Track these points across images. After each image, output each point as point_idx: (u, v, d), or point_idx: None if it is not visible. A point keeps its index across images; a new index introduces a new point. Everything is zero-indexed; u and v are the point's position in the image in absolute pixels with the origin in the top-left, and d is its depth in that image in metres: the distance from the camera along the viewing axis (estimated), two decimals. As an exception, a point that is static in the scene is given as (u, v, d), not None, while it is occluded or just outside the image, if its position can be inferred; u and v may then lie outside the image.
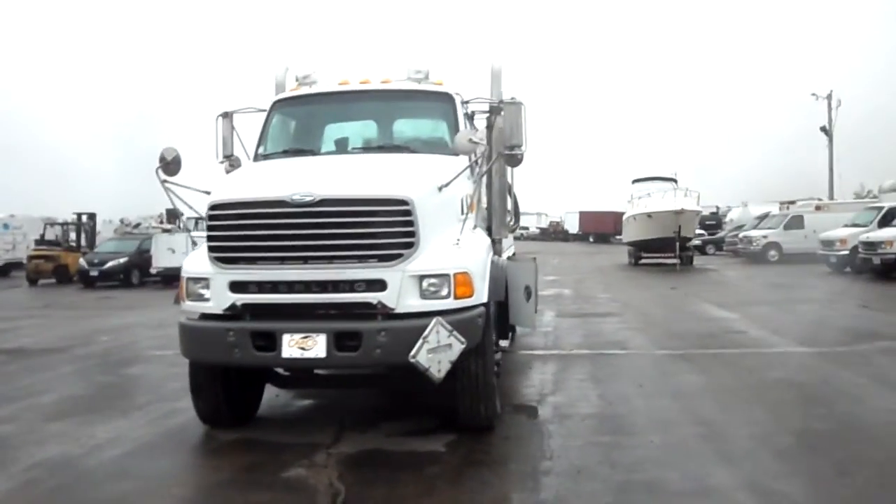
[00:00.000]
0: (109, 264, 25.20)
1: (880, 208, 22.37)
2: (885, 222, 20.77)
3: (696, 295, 17.10)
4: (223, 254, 5.39)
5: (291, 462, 5.29)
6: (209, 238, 5.45)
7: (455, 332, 5.15)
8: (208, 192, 5.80)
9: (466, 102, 6.89)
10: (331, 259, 5.22)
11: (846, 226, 22.67)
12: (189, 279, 5.55)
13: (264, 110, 7.29)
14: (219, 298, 5.39)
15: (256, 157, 6.79)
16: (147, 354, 10.05)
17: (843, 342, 9.73)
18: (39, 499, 4.84)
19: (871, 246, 19.50)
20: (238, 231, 5.38)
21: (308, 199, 5.14)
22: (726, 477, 4.80)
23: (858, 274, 20.01)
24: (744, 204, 43.97)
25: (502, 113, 6.61)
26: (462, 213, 5.78)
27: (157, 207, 30.61)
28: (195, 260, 5.67)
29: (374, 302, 5.23)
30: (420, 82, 6.87)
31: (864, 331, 10.74)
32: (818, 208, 29.58)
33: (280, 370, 6.06)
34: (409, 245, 5.22)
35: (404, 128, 6.98)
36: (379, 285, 5.23)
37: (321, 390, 7.16)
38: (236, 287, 5.35)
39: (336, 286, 5.27)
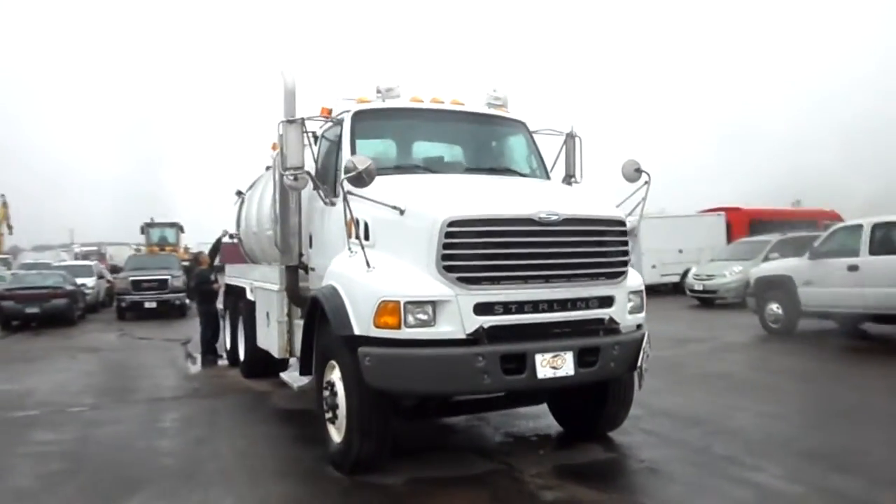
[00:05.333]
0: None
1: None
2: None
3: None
4: (466, 273, 5.03)
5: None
6: (447, 257, 5.01)
7: (649, 344, 5.75)
8: (399, 209, 5.29)
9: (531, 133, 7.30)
10: (569, 278, 5.32)
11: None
12: (408, 303, 4.98)
13: (331, 118, 6.65)
14: (460, 322, 5.00)
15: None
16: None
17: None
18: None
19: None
20: (481, 249, 5.09)
21: (554, 217, 5.19)
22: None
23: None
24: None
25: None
26: None
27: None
28: (403, 281, 5.09)
29: (605, 318, 5.50)
30: (498, 108, 7.09)
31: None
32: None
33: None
34: (626, 263, 5.64)
35: (505, 152, 7.04)
36: (608, 301, 5.51)
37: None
38: (481, 309, 5.04)
39: (574, 304, 5.37)
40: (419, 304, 4.99)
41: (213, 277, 12.39)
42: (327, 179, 6.59)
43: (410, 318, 4.98)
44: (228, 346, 11.50)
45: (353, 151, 6.32)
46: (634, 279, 5.79)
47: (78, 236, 54.60)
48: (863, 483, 5.11)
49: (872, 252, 11.29)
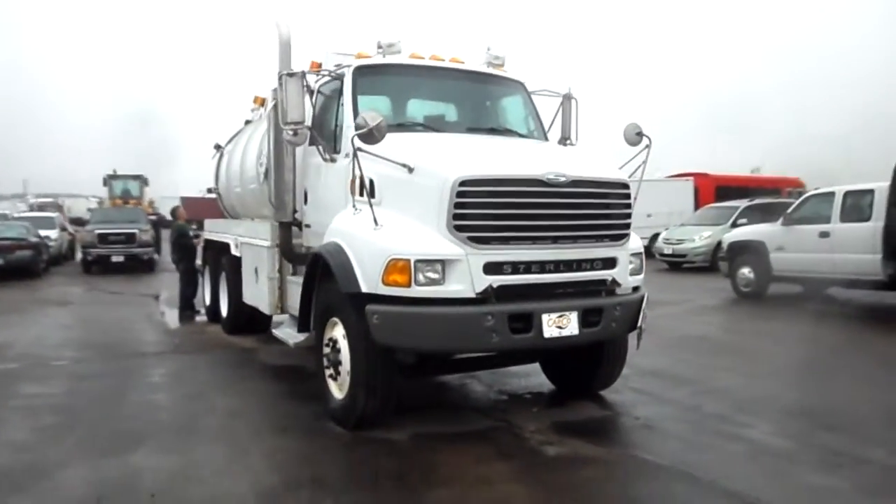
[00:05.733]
0: None
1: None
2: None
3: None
4: (477, 233, 5.04)
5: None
6: (458, 216, 5.01)
7: (647, 305, 5.88)
8: (408, 167, 5.26)
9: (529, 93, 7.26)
10: (575, 239, 5.38)
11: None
12: (419, 262, 4.98)
13: (331, 73, 6.52)
14: (470, 281, 5.03)
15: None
16: None
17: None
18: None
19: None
20: (492, 209, 5.10)
21: (562, 178, 5.22)
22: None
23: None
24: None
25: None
26: None
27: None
28: (412, 240, 5.08)
29: (608, 279, 5.58)
30: (497, 68, 7.04)
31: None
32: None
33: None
34: (629, 225, 5.71)
35: (505, 113, 6.98)
36: (611, 263, 5.59)
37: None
38: (490, 268, 5.07)
39: (579, 265, 5.43)
40: (430, 262, 4.99)
41: (191, 232, 12.17)
42: (326, 135, 6.49)
43: (420, 277, 4.98)
44: (208, 301, 11.38)
45: (356, 107, 6.22)
46: (634, 241, 5.87)
47: (32, 187, 52.83)
48: (849, 439, 5.35)
49: (843, 219, 11.63)
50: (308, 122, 6.47)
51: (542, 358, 6.65)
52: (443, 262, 5.00)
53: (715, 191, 25.80)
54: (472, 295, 5.04)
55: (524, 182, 5.16)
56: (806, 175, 29.55)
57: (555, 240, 5.28)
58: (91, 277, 18.91)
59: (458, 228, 5.01)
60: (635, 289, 5.95)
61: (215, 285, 10.83)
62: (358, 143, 5.13)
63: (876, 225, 10.92)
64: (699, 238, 19.44)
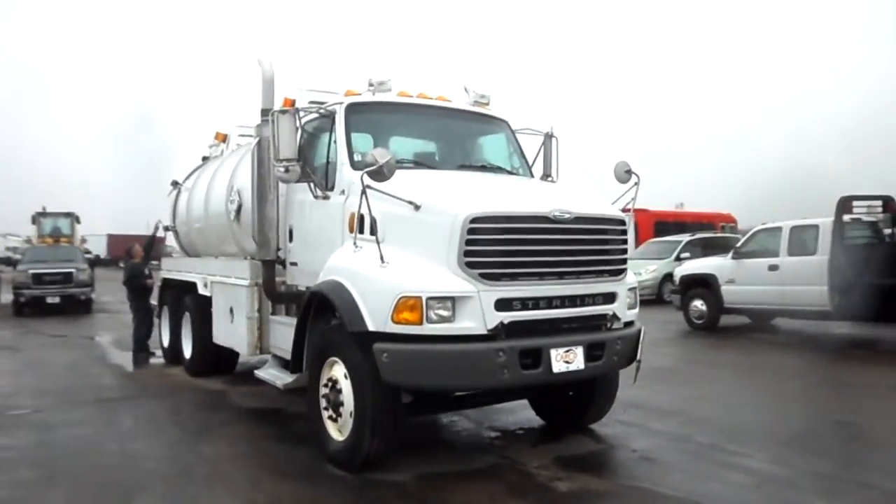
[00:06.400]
0: None
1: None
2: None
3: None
4: (488, 269, 5.07)
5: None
6: (469, 253, 5.03)
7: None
8: (414, 204, 5.26)
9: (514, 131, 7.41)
10: (579, 275, 5.47)
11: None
12: (430, 299, 4.96)
13: (319, 109, 6.50)
14: (482, 317, 5.03)
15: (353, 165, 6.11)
16: None
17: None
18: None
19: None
20: (502, 246, 5.14)
21: (567, 216, 5.33)
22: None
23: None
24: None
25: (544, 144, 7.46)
26: None
27: None
28: (423, 277, 5.06)
29: (609, 313, 5.69)
30: (482, 106, 7.17)
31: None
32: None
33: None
34: (626, 261, 5.86)
35: (494, 150, 7.07)
36: (611, 298, 5.71)
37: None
38: (501, 305, 5.10)
39: (583, 300, 5.52)
40: (441, 299, 4.98)
41: (147, 272, 11.75)
42: (317, 172, 6.43)
43: (432, 314, 4.96)
44: (166, 343, 10.97)
45: (350, 144, 6.22)
46: (629, 277, 6.02)
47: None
48: (842, 464, 5.58)
49: (791, 253, 12.21)
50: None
51: (530, 394, 6.67)
52: (454, 299, 5.00)
53: (654, 225, 26.66)
54: (484, 332, 5.05)
55: (532, 219, 5.24)
56: (732, 209, 31.04)
57: (560, 275, 5.36)
58: (25, 320, 17.92)
59: (470, 265, 5.03)
60: (628, 323, 6.06)
61: (176, 326, 10.45)
62: (367, 180, 5.10)
63: (822, 258, 11.52)
64: (645, 272, 19.99)
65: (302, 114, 6.77)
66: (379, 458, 5.40)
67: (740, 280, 12.98)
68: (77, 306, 19.36)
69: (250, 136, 10.27)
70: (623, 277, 5.81)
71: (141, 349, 11.46)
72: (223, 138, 10.90)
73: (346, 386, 5.47)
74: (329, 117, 6.47)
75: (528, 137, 7.48)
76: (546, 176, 7.50)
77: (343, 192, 6.07)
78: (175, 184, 11.77)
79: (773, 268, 12.38)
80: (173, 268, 10.91)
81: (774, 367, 10.05)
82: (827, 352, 11.69)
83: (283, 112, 6.15)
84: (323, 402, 5.74)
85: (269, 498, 5.03)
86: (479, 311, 5.03)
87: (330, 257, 5.90)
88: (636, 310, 6.10)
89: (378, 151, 5.09)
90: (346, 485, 5.26)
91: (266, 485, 5.30)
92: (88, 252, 25.51)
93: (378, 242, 5.20)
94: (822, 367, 10.17)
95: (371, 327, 5.12)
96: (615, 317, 5.73)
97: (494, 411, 7.32)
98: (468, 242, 5.04)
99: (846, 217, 11.46)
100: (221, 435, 6.73)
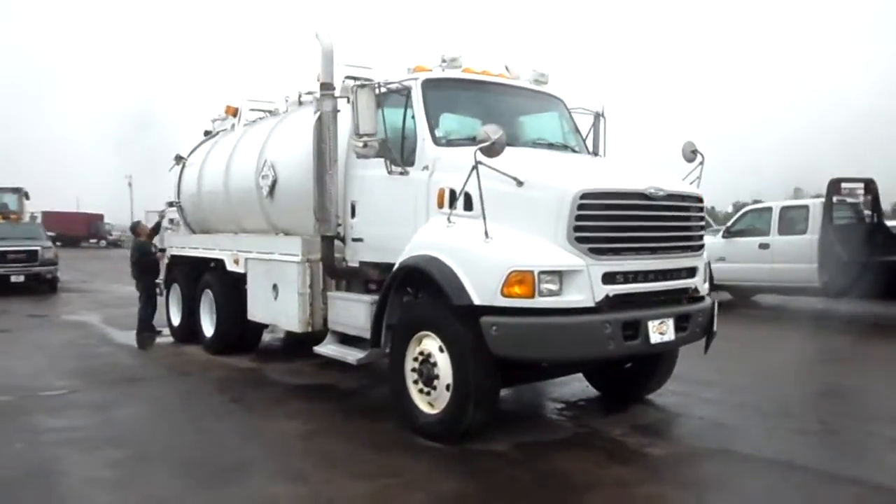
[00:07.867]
0: None
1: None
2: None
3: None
4: (597, 244, 5.22)
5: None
6: (578, 228, 5.16)
7: (715, 310, 6.33)
8: (517, 180, 5.35)
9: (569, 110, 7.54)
10: (669, 249, 5.69)
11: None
12: (542, 273, 5.08)
13: (396, 85, 6.46)
14: (590, 291, 5.19)
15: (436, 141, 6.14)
16: None
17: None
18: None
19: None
20: (607, 221, 5.30)
21: (661, 193, 5.53)
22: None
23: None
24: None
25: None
26: None
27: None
28: (533, 251, 5.16)
29: (692, 287, 5.93)
30: (541, 85, 7.27)
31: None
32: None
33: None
34: (703, 237, 6.11)
35: (558, 129, 7.16)
36: (693, 272, 5.96)
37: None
38: (607, 278, 5.26)
39: (672, 274, 5.75)
40: (551, 273, 5.11)
41: (153, 249, 11.42)
42: (394, 148, 6.40)
43: (543, 288, 5.09)
44: (176, 322, 10.73)
45: (430, 119, 6.25)
46: (704, 253, 6.27)
47: None
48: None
49: (781, 232, 12.82)
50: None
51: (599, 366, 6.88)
52: (563, 273, 5.14)
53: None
54: (592, 304, 5.20)
55: (632, 195, 5.42)
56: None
57: (653, 250, 5.56)
58: (-11, 300, 17.10)
59: (580, 240, 5.18)
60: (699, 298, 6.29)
61: (191, 304, 10.22)
62: (480, 156, 5.16)
63: (812, 238, 12.14)
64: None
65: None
66: (478, 429, 5.51)
67: (731, 258, 13.54)
68: (41, 285, 18.58)
69: (261, 110, 10.15)
70: (702, 252, 6.05)
71: (145, 328, 11.15)
72: (234, 112, 10.65)
73: (441, 359, 5.54)
74: (401, 93, 6.45)
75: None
76: (594, 154, 7.67)
77: (426, 167, 6.09)
78: (179, 158, 11.43)
79: (763, 246, 12.97)
80: (186, 245, 10.63)
81: (774, 339, 10.63)
82: (814, 324, 12.36)
83: (362, 86, 6.12)
84: (413, 376, 5.79)
85: (385, 471, 5.05)
86: (588, 284, 5.19)
87: (417, 233, 5.92)
88: (707, 284, 6.35)
89: (490, 128, 5.15)
90: (449, 456, 5.33)
91: (370, 458, 5.32)
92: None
93: (484, 218, 5.27)
94: (819, 339, 10.82)
95: (476, 301, 5.20)
96: (696, 290, 5.98)
97: (547, 384, 7.51)
98: (578, 218, 5.17)
99: (835, 198, 12.09)
100: (287, 412, 6.67)
